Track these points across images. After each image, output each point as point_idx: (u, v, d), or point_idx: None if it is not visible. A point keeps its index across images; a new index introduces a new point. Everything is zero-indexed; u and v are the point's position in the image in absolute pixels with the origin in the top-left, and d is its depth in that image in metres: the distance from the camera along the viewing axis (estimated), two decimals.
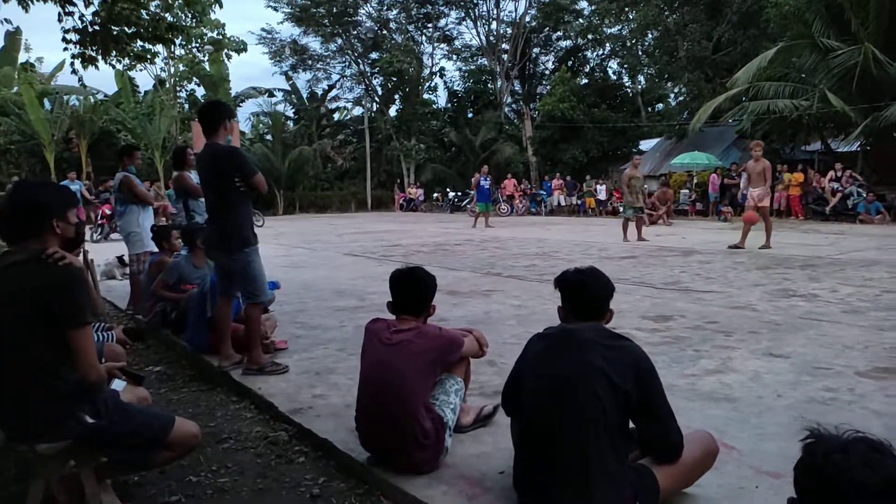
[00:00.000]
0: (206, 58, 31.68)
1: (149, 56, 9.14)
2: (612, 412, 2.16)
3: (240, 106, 34.16)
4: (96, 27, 7.65)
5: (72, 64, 8.03)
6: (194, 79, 32.75)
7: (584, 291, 2.47)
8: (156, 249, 6.36)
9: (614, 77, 34.42)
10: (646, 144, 30.57)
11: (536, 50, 36.11)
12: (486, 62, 36.48)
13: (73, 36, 7.71)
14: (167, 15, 8.83)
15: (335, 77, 37.32)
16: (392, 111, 36.42)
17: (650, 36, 28.64)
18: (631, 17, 28.33)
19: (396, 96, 36.29)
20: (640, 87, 33.60)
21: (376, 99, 36.46)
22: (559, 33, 34.70)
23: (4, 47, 29.48)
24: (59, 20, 7.59)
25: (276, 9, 33.52)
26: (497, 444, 2.99)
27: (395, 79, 34.22)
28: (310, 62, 36.13)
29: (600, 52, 34.29)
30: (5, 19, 8.33)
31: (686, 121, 24.69)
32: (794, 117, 18.50)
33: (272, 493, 2.84)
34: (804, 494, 1.41)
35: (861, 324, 5.34)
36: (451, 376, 2.99)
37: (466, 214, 23.57)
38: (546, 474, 2.20)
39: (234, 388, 4.22)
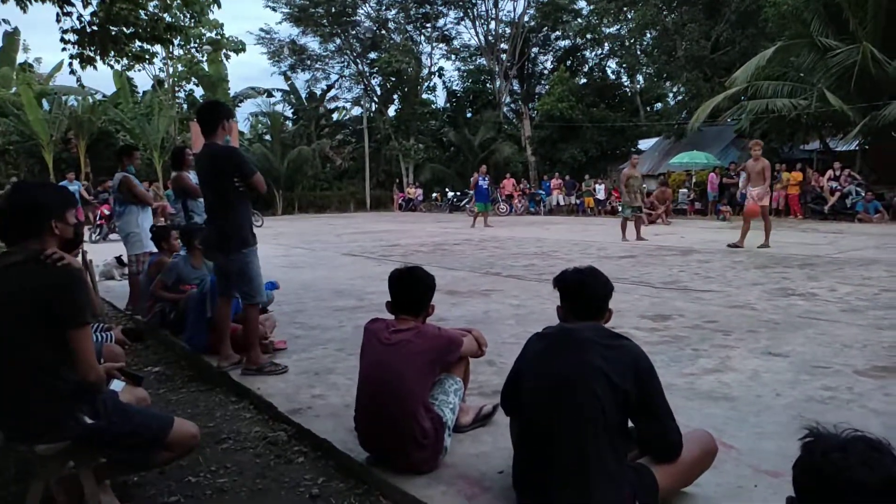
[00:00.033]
0: (205, 58, 31.72)
1: (147, 56, 9.14)
2: (611, 412, 2.16)
3: (238, 106, 34.19)
4: (94, 27, 7.64)
5: (70, 64, 8.03)
6: (193, 79, 32.76)
7: (583, 291, 2.48)
8: (155, 250, 6.35)
9: (613, 77, 34.49)
10: (644, 144, 30.59)
11: (535, 49, 36.16)
12: (484, 62, 36.49)
13: (71, 36, 7.71)
14: (165, 15, 8.83)
15: (334, 77, 37.41)
16: (391, 111, 36.43)
17: (649, 35, 28.67)
18: (629, 16, 28.36)
19: (395, 96, 36.29)
20: (638, 86, 33.61)
21: (375, 99, 36.47)
22: (558, 33, 34.74)
23: (3, 48, 29.44)
24: (58, 20, 7.59)
25: (274, 9, 33.58)
26: (496, 444, 2.99)
27: (393, 79, 34.22)
28: (308, 62, 36.16)
29: (599, 51, 34.38)
30: (3, 19, 8.34)
31: (685, 120, 24.71)
32: (793, 116, 18.52)
33: (271, 494, 2.84)
34: (803, 493, 1.41)
35: (860, 322, 5.34)
36: (450, 376, 2.99)
37: (465, 214, 23.56)
38: (545, 474, 2.21)
39: (233, 389, 4.22)
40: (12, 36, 28.06)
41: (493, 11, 34.68)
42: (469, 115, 36.78)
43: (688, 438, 2.39)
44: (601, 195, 24.07)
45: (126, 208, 6.54)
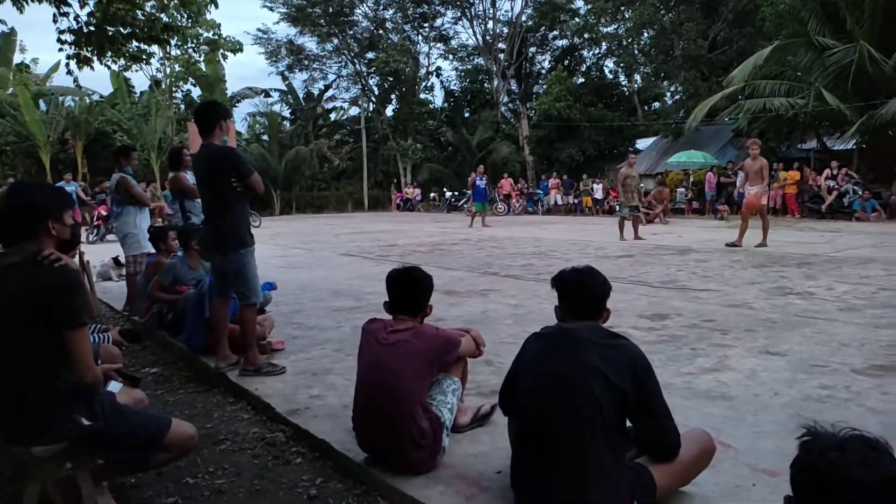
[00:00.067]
0: (202, 58, 31.70)
1: (144, 56, 9.10)
2: (609, 411, 2.16)
3: (236, 106, 34.18)
4: (91, 28, 7.62)
5: (67, 65, 8.02)
6: (190, 79, 32.76)
7: (581, 291, 2.47)
8: (152, 251, 6.34)
9: (610, 76, 34.54)
10: (642, 143, 30.62)
11: (533, 49, 36.18)
12: (482, 62, 36.48)
13: (68, 37, 7.68)
14: (163, 15, 8.80)
15: (331, 77, 37.41)
16: (388, 111, 36.45)
17: (646, 35, 28.69)
18: (627, 16, 28.39)
19: (393, 96, 36.31)
20: (636, 85, 33.64)
21: (373, 99, 36.46)
22: (555, 32, 34.77)
23: None
24: (55, 21, 7.57)
25: (271, 9, 33.56)
26: (494, 444, 2.99)
27: (391, 78, 34.21)
28: (306, 62, 36.16)
29: (596, 51, 34.43)
30: (0, 20, 8.31)
31: (682, 119, 24.73)
32: (790, 115, 18.55)
33: (269, 494, 2.84)
34: (801, 492, 1.41)
35: (857, 321, 5.35)
36: (448, 376, 2.99)
37: (463, 214, 23.57)
38: (543, 473, 2.20)
39: (230, 390, 4.22)
40: (9, 36, 27.99)
41: (491, 11, 34.75)
42: (467, 114, 36.80)
43: (686, 438, 2.39)
44: (599, 195, 24.09)
45: (123, 209, 6.53)
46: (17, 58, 31.41)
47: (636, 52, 30.47)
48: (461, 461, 2.86)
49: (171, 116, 30.48)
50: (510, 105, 37.33)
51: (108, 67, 8.88)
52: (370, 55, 35.23)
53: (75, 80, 8.93)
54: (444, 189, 31.69)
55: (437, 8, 35.47)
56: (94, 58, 7.91)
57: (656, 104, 34.78)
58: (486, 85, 36.63)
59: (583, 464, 2.12)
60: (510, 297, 6.96)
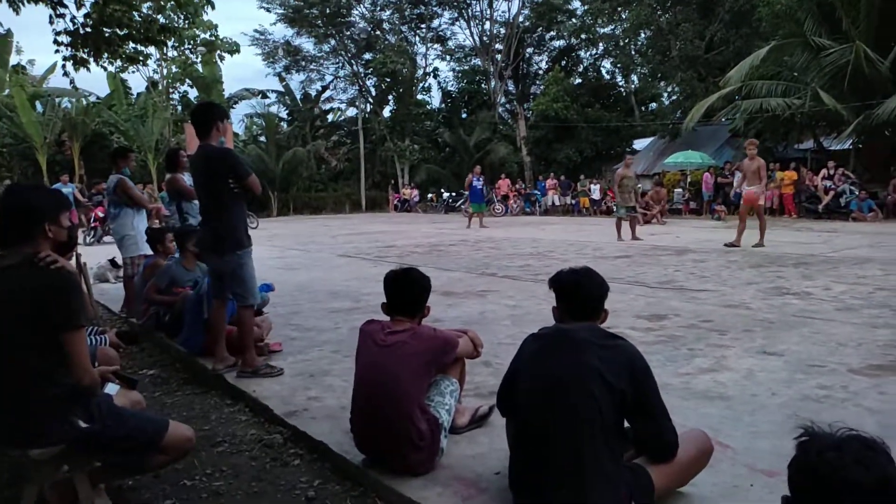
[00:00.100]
0: (199, 59, 31.69)
1: (141, 58, 9.10)
2: (607, 412, 2.16)
3: (233, 107, 34.12)
4: (88, 29, 7.61)
5: (63, 66, 7.99)
6: (187, 80, 32.72)
7: (579, 291, 2.48)
8: (150, 252, 6.33)
9: (608, 76, 34.59)
10: (639, 143, 30.68)
11: (530, 50, 36.19)
12: (479, 62, 36.51)
13: (64, 38, 7.67)
14: (159, 16, 8.81)
15: (329, 78, 37.38)
16: (386, 112, 36.44)
17: (643, 35, 28.72)
18: (624, 16, 28.42)
19: (390, 97, 36.29)
20: (633, 86, 33.69)
21: (370, 100, 36.44)
22: (552, 33, 34.77)
23: None
24: (51, 22, 7.55)
25: (268, 10, 33.53)
26: (493, 445, 2.99)
27: (388, 79, 34.22)
28: (303, 63, 36.13)
29: (593, 51, 34.41)
30: None
31: (679, 120, 24.77)
32: (787, 116, 18.59)
33: (267, 496, 2.83)
34: (798, 493, 1.41)
35: (854, 321, 5.36)
36: (446, 377, 2.99)
37: (461, 215, 23.57)
38: (541, 474, 2.20)
39: (228, 391, 4.21)
40: (5, 38, 27.85)
41: (488, 12, 34.75)
42: (464, 115, 36.82)
43: (684, 438, 2.39)
44: (596, 195, 24.10)
45: (121, 211, 6.51)
46: (13, 59, 31.25)
47: (633, 52, 30.52)
48: (459, 462, 2.86)
49: (168, 118, 30.45)
50: (507, 106, 37.35)
51: (105, 69, 8.88)
52: (367, 56, 35.21)
53: (72, 82, 8.91)
54: (442, 190, 31.70)
55: (434, 9, 35.48)
56: (91, 59, 7.90)
57: (653, 105, 34.82)
58: (483, 86, 36.64)
59: (581, 464, 2.12)
60: (508, 297, 6.96)
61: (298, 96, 36.86)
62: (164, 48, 27.56)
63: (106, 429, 2.36)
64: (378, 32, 35.49)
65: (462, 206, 24.44)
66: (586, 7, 30.38)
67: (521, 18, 34.13)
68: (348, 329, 5.48)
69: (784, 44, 18.81)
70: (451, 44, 37.66)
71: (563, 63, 33.93)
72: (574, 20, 32.69)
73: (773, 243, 11.01)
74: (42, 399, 2.28)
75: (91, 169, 27.65)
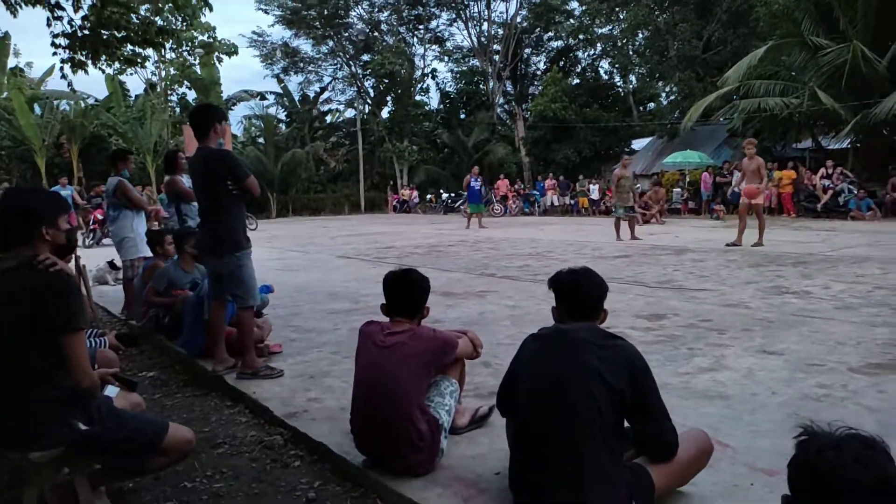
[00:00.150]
0: (197, 61, 31.66)
1: (139, 60, 9.10)
2: (607, 412, 2.16)
3: (231, 109, 34.10)
4: (86, 31, 7.61)
5: (61, 69, 7.99)
6: (185, 82, 32.70)
7: (578, 292, 2.48)
8: (150, 254, 6.33)
9: (606, 77, 34.63)
10: (638, 144, 30.71)
11: (528, 50, 36.20)
12: (477, 63, 36.52)
13: (62, 40, 7.67)
14: (157, 19, 8.81)
15: (327, 79, 37.37)
16: (384, 113, 36.43)
17: (641, 36, 28.76)
18: (621, 17, 28.45)
19: (388, 98, 36.29)
20: (631, 86, 33.72)
21: (368, 101, 36.44)
22: (550, 34, 34.78)
23: None
24: (48, 25, 7.55)
25: (266, 11, 33.51)
26: (493, 446, 2.99)
27: (386, 80, 34.22)
28: (301, 65, 36.12)
29: (591, 52, 34.43)
30: None
31: (677, 120, 24.78)
32: (785, 115, 18.61)
33: (268, 498, 2.83)
34: (798, 492, 1.42)
35: (853, 320, 5.36)
36: (445, 378, 2.99)
37: (460, 215, 23.58)
38: (541, 475, 2.20)
39: (228, 393, 4.21)
40: (3, 40, 27.87)
41: (486, 13, 34.76)
42: (463, 116, 36.83)
43: (683, 438, 2.39)
44: (595, 195, 24.11)
45: (121, 213, 6.51)
46: (10, 62, 31.30)
47: (631, 52, 30.57)
48: (459, 463, 2.86)
49: (166, 120, 30.44)
50: (506, 106, 37.37)
51: (103, 71, 8.88)
52: (365, 57, 35.20)
53: (70, 84, 8.90)
54: (441, 191, 31.71)
55: (432, 10, 35.50)
56: (89, 61, 7.90)
57: (651, 105, 34.87)
58: (481, 86, 36.66)
59: (580, 465, 2.12)
60: (507, 298, 6.96)
61: (297, 98, 36.87)
62: (162, 50, 27.55)
63: (106, 431, 2.36)
64: (376, 33, 35.49)
65: (461, 207, 24.45)
66: (584, 8, 30.43)
67: (518, 19, 34.19)
68: (348, 330, 5.48)
69: (782, 43, 18.83)
70: (449, 45, 37.73)
71: (562, 63, 33.95)
72: (572, 21, 32.73)
73: (771, 242, 11.01)
74: (42, 401, 2.28)
75: (90, 171, 27.64)
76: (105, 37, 7.68)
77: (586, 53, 34.84)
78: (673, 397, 3.42)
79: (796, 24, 18.72)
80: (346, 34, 34.97)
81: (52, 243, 2.41)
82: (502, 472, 2.60)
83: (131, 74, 27.92)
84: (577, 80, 33.20)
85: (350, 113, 38.31)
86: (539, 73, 36.24)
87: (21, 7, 7.41)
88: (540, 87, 33.15)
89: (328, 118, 39.81)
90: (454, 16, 35.50)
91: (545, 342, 2.39)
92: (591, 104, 30.07)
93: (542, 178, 27.46)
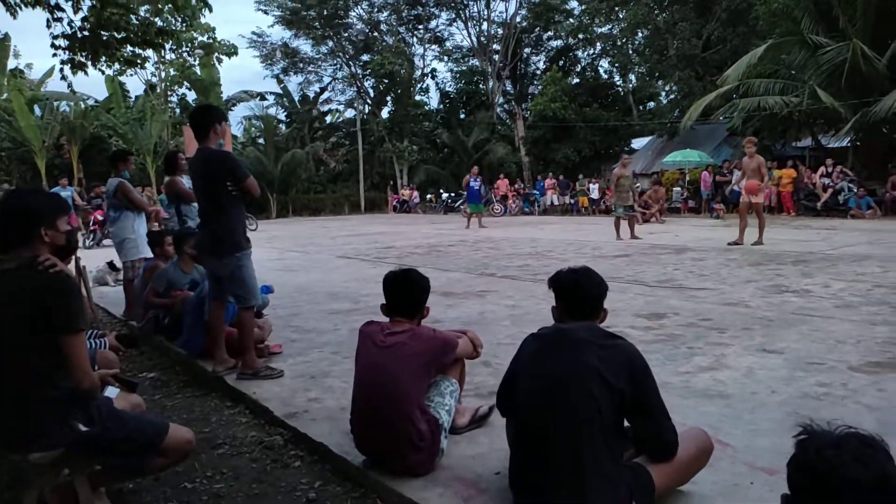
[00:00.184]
0: (197, 62, 31.67)
1: (139, 61, 9.10)
2: (606, 411, 2.16)
3: (231, 110, 34.12)
4: (85, 33, 7.61)
5: (61, 70, 7.99)
6: (185, 83, 32.71)
7: (578, 291, 2.48)
8: (151, 255, 6.33)
9: (605, 76, 34.62)
10: (637, 143, 30.70)
11: (527, 50, 36.19)
12: (477, 63, 36.51)
13: (62, 42, 7.66)
14: (157, 20, 8.80)
15: (327, 79, 37.37)
16: (384, 113, 36.43)
17: (640, 35, 28.76)
18: (621, 16, 28.45)
19: (388, 98, 36.29)
20: (631, 85, 33.72)
21: (368, 101, 36.44)
22: (550, 33, 34.78)
23: None
24: (48, 26, 7.55)
25: (266, 12, 33.50)
26: (493, 445, 2.99)
27: (386, 80, 34.22)
28: (301, 65, 36.11)
29: (591, 51, 34.43)
30: None
31: (677, 119, 24.78)
32: (785, 114, 18.61)
33: (268, 498, 2.83)
34: (797, 491, 1.42)
35: (853, 318, 5.36)
36: (445, 378, 2.99)
37: (460, 215, 23.58)
38: (541, 474, 2.21)
39: (228, 394, 4.21)
40: (2, 42, 27.91)
41: (485, 12, 34.75)
42: (462, 116, 36.82)
43: (683, 437, 2.39)
44: (595, 195, 24.12)
45: (121, 214, 6.50)
46: (10, 63, 31.36)
47: (630, 51, 30.56)
48: (459, 463, 2.86)
49: (166, 120, 30.45)
50: (506, 106, 37.36)
51: (103, 72, 8.89)
52: (365, 57, 35.20)
53: (70, 86, 8.91)
54: (441, 191, 31.71)
55: (432, 10, 35.49)
56: (89, 63, 7.90)
57: (651, 104, 34.86)
58: (481, 86, 36.65)
59: (580, 464, 2.12)
60: (507, 297, 6.96)
61: (297, 98, 36.87)
62: (162, 51, 27.55)
63: (106, 431, 2.36)
64: (376, 34, 35.48)
65: (461, 207, 24.45)
66: (584, 7, 30.42)
67: (518, 19, 34.18)
68: (348, 330, 5.48)
69: (781, 42, 18.83)
70: (448, 44, 37.72)
71: (561, 63, 33.95)
72: (571, 20, 32.72)
73: (771, 241, 11.01)
74: (42, 402, 2.28)
75: (90, 172, 27.66)
76: (105, 38, 7.68)
77: (586, 53, 34.88)
78: (673, 396, 3.42)
79: (796, 22, 18.72)
80: (346, 34, 34.98)
81: (52, 245, 2.41)
82: (502, 471, 2.60)
83: (131, 75, 28.01)
84: (576, 80, 33.20)
85: (350, 113, 38.40)
86: (539, 72, 36.23)
87: (21, 8, 7.41)
88: (539, 87, 33.15)
89: (328, 118, 39.86)
90: (454, 16, 35.53)
91: (545, 342, 2.39)
92: (590, 103, 30.07)
93: (542, 178, 27.46)
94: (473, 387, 3.79)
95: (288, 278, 8.97)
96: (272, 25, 42.86)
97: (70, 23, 7.60)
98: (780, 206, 19.04)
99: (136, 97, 32.94)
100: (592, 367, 2.19)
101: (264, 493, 2.87)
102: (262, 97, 36.11)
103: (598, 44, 32.73)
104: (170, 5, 9.06)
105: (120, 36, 7.77)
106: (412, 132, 34.90)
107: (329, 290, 7.88)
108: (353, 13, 34.72)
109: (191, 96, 32.98)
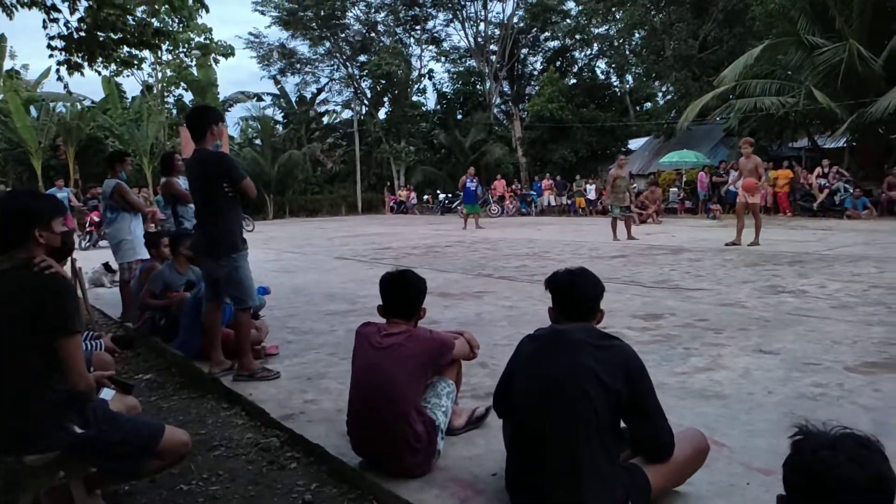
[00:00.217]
0: (194, 62, 31.61)
1: (135, 62, 9.09)
2: (603, 412, 2.16)
3: (228, 111, 34.11)
4: (82, 33, 7.60)
5: (57, 71, 7.99)
6: (182, 84, 32.64)
7: (574, 292, 2.48)
8: (147, 257, 6.32)
9: (602, 77, 34.67)
10: (634, 143, 30.76)
11: (524, 51, 36.25)
12: (474, 64, 36.54)
13: (58, 42, 7.66)
14: (153, 20, 8.78)
15: (324, 80, 37.39)
16: (381, 114, 36.45)
17: (637, 35, 28.83)
18: (618, 16, 28.51)
19: (385, 99, 36.29)
20: (627, 86, 33.78)
21: (365, 102, 36.44)
22: (547, 34, 34.85)
23: None
24: (45, 27, 7.55)
25: (263, 13, 33.54)
26: (489, 446, 2.99)
27: (383, 81, 34.21)
28: (298, 66, 36.12)
29: (588, 52, 34.54)
30: None
31: (674, 119, 24.83)
32: (781, 114, 18.65)
33: (264, 500, 2.82)
34: (793, 491, 1.42)
35: (849, 319, 5.37)
36: (442, 379, 2.98)
37: (457, 216, 23.58)
38: (538, 475, 2.20)
39: (224, 395, 4.20)
40: None
41: (482, 13, 34.81)
42: (459, 116, 36.83)
43: (680, 438, 2.39)
44: (592, 195, 24.14)
45: (118, 215, 6.48)
46: (7, 64, 31.25)
47: (627, 52, 30.63)
48: (456, 464, 2.86)
49: (163, 121, 30.40)
50: (503, 107, 37.39)
51: (99, 73, 8.86)
52: (362, 58, 35.22)
53: (66, 86, 8.89)
54: (438, 191, 31.71)
55: (429, 10, 35.52)
56: (85, 63, 7.89)
57: (648, 104, 34.94)
58: (478, 87, 36.68)
59: (577, 465, 2.12)
60: (504, 298, 6.96)
61: (294, 99, 36.88)
62: (159, 52, 27.46)
63: (101, 434, 2.36)
64: (373, 34, 35.50)
65: (458, 208, 24.46)
66: (580, 7, 30.50)
67: (515, 19, 34.22)
68: (344, 331, 5.47)
69: (777, 43, 18.88)
70: (445, 45, 37.79)
71: (558, 64, 34.01)
72: (568, 21, 32.80)
73: (768, 242, 11.03)
74: (37, 404, 2.27)
75: (86, 173, 27.59)
76: (101, 39, 7.68)
77: (583, 53, 34.97)
78: (669, 397, 3.42)
79: (792, 23, 18.77)
80: (343, 35, 34.99)
81: (47, 246, 2.40)
82: (499, 472, 2.59)
83: (128, 76, 28.05)
84: (573, 80, 33.24)
85: (347, 114, 38.35)
86: (536, 73, 36.28)
87: (17, 9, 7.40)
88: (536, 88, 33.21)
89: (325, 119, 39.82)
90: (451, 16, 35.58)
91: (542, 343, 2.39)
92: (587, 104, 30.11)
93: (539, 179, 27.47)
94: (470, 388, 3.78)
95: (285, 279, 8.96)
96: (269, 26, 42.81)
97: (66, 23, 7.61)
98: (777, 206, 19.08)
99: (133, 98, 32.89)
100: (589, 368, 2.19)
101: (260, 495, 2.86)
102: (259, 98, 36.14)
103: (594, 44, 32.82)
104: (166, 6, 9.04)
105: (116, 37, 7.76)
106: (409, 133, 34.91)
107: (326, 292, 7.87)
108: (350, 14, 34.79)
109: (187, 97, 32.95)
